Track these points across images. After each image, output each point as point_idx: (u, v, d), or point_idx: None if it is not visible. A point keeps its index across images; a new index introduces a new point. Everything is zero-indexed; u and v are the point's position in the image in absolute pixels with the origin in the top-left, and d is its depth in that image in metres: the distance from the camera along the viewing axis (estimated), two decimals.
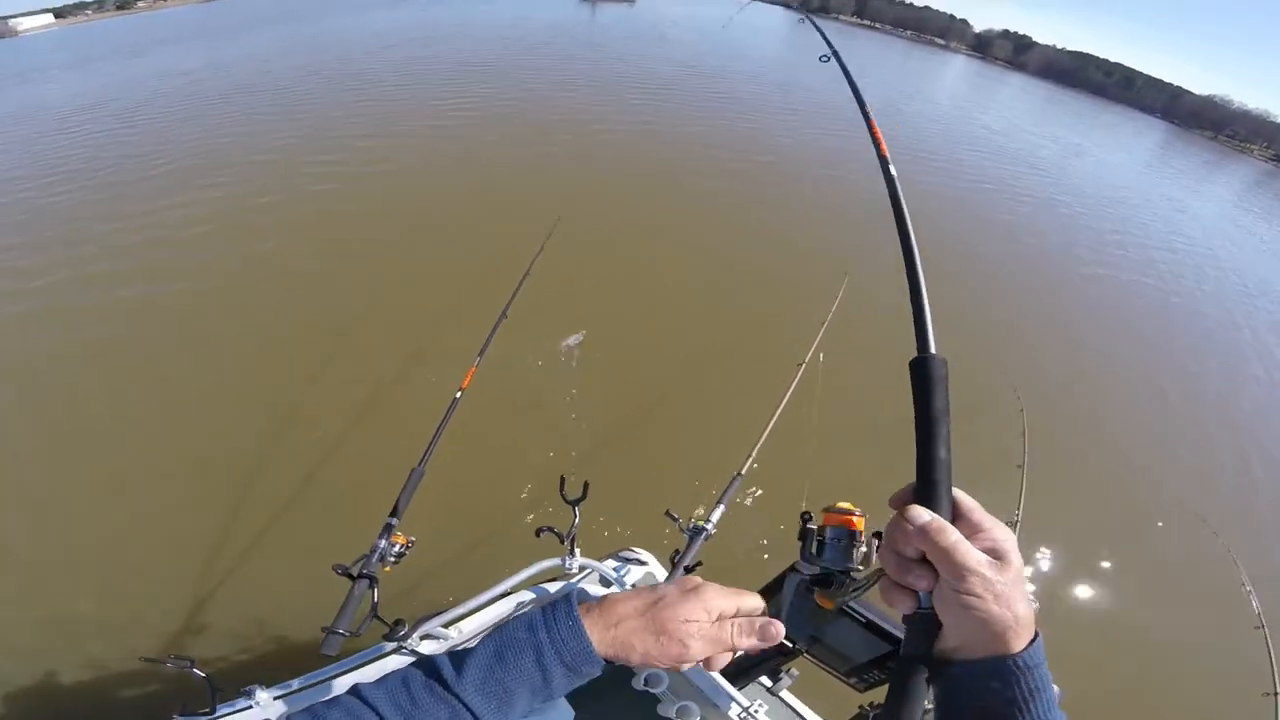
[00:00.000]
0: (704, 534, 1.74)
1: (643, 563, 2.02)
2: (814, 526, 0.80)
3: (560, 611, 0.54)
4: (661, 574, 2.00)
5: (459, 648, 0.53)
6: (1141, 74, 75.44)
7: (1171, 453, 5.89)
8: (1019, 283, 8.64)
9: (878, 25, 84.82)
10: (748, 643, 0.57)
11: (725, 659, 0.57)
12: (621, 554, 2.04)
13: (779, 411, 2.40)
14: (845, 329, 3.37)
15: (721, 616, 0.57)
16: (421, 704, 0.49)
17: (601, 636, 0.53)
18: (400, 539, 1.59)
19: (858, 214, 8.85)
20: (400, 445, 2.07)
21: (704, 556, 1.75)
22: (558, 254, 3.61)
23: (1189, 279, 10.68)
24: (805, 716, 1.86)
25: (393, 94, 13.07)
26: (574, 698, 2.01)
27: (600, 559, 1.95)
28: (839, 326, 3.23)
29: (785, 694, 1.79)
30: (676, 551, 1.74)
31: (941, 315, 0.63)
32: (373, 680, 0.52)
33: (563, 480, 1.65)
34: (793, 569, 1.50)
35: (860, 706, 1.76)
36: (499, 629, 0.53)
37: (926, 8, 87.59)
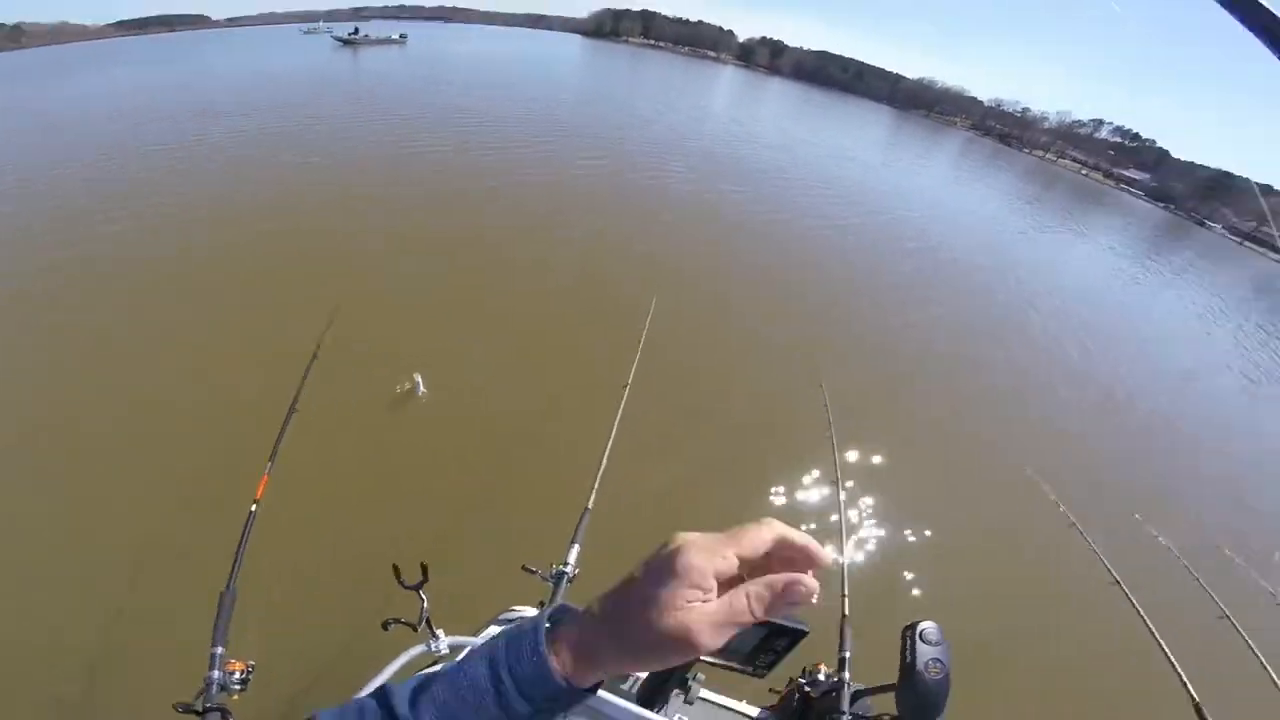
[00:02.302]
0: (565, 577, 1.74)
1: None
2: None
3: (525, 646, 0.46)
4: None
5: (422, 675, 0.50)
6: (870, 66, 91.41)
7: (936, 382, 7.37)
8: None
9: (663, 44, 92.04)
10: (774, 612, 0.44)
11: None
12: (502, 617, 1.99)
13: (612, 438, 2.54)
14: (661, 344, 3.85)
15: (718, 578, 0.43)
16: None
17: (577, 668, 0.45)
18: (236, 665, 1.51)
19: (660, 232, 9.78)
20: (206, 570, 1.88)
21: (576, 598, 1.74)
22: (348, 329, 3.60)
23: (928, 234, 13.53)
24: (729, 705, 1.92)
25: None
26: None
27: (479, 628, 1.88)
28: (654, 343, 3.70)
29: (703, 693, 1.85)
30: (542, 603, 1.73)
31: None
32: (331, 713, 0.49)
33: (396, 569, 1.56)
34: None
35: (791, 679, 1.92)
36: (460, 664, 0.47)
37: (700, 22, 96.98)
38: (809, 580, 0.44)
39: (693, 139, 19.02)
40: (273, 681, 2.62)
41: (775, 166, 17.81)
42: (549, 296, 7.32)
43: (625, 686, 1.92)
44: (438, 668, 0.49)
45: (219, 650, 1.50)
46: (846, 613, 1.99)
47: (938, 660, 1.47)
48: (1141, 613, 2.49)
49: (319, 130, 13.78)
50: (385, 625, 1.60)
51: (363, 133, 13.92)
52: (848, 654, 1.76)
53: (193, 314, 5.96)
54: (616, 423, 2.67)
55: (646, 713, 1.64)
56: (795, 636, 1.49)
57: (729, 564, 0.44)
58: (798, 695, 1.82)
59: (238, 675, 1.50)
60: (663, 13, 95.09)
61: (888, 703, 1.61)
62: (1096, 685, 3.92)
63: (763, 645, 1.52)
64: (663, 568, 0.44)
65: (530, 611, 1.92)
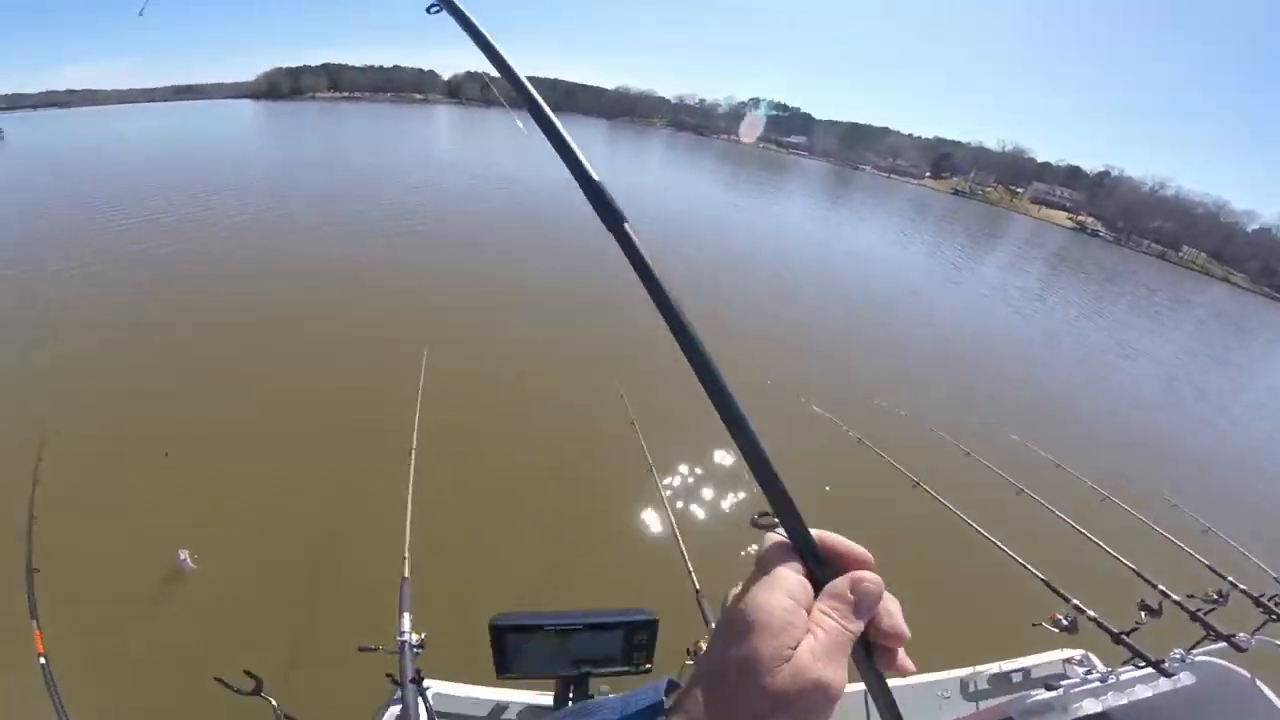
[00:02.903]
0: (409, 645, 1.72)
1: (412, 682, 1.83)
2: None
3: None
4: (435, 684, 1.94)
5: None
6: (577, 84, 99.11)
7: None
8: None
9: (357, 95, 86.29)
10: (861, 622, 0.39)
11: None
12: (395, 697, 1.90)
13: (409, 504, 2.52)
14: (440, 399, 3.83)
15: (796, 606, 0.38)
16: None
17: None
18: None
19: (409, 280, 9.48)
20: None
21: (441, 655, 1.79)
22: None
23: None
24: None
25: None
26: None
27: None
28: (433, 398, 3.67)
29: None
30: (390, 675, 1.70)
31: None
32: None
33: (222, 681, 1.51)
34: (493, 628, 1.55)
35: (684, 664, 1.93)
36: None
37: (396, 67, 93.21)
38: (869, 574, 0.40)
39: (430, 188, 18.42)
40: None
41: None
42: (317, 369, 6.79)
43: (513, 717, 1.95)
44: None
45: None
46: (698, 588, 2.08)
47: None
48: (950, 506, 2.99)
49: None
50: None
51: None
52: (714, 623, 1.72)
53: None
54: (410, 490, 2.62)
55: None
56: (649, 624, 1.60)
57: (798, 591, 0.39)
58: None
59: None
60: (350, 63, 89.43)
61: None
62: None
63: (628, 643, 1.61)
64: (740, 624, 0.38)
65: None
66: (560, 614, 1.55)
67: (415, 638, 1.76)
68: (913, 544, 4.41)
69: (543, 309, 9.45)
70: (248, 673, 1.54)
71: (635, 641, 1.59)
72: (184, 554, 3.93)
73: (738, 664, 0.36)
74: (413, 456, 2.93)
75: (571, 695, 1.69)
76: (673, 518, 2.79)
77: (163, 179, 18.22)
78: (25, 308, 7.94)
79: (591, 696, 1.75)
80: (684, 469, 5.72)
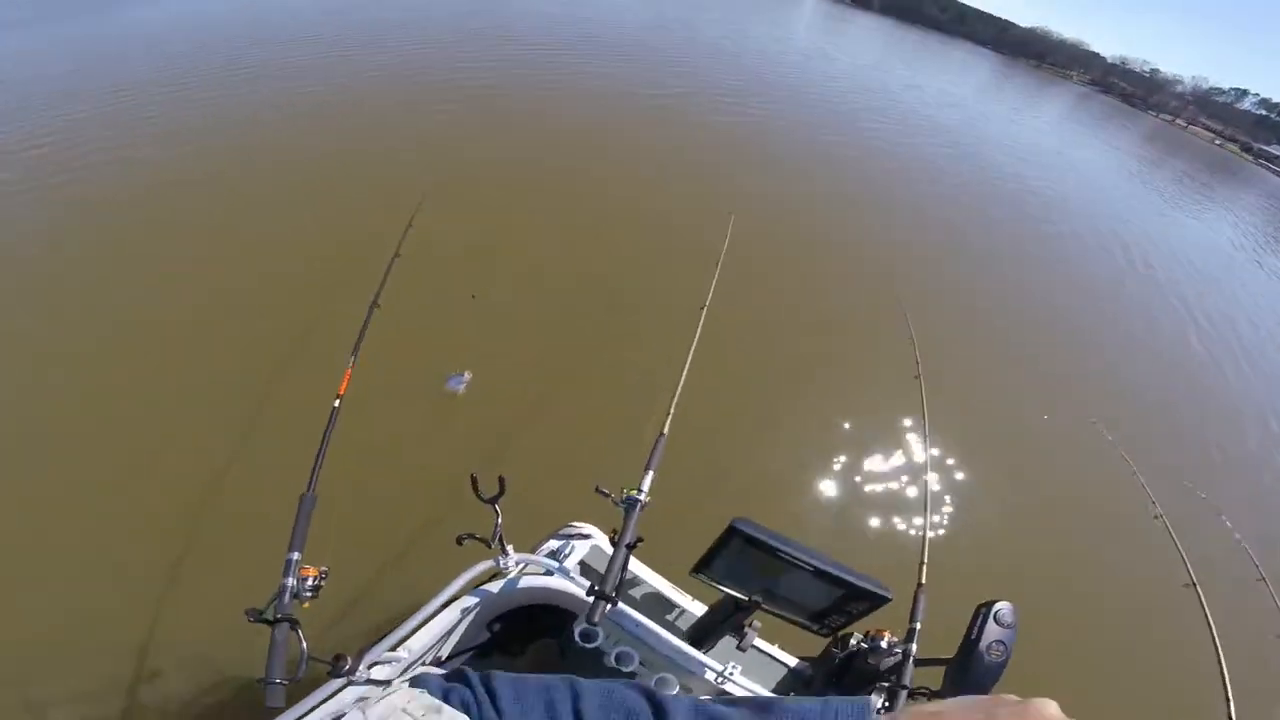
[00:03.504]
0: (638, 505, 1.62)
1: (585, 536, 1.92)
2: None
3: None
4: (606, 545, 1.90)
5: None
6: (971, 9, 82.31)
7: (1059, 353, 6.54)
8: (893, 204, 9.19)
9: None
10: None
11: None
12: (561, 532, 1.95)
13: (689, 361, 2.28)
14: (737, 267, 3.34)
15: None
16: None
17: None
18: (310, 571, 1.46)
19: (732, 155, 8.96)
20: (284, 470, 1.84)
21: (645, 527, 1.64)
22: (428, 230, 3.25)
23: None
24: (777, 657, 1.89)
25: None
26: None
27: (538, 543, 1.87)
28: (732, 265, 3.19)
29: (755, 643, 1.78)
30: (614, 531, 1.63)
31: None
32: None
33: (474, 479, 1.53)
34: (731, 529, 1.47)
35: (828, 648, 1.84)
36: None
37: None
38: (1049, 702, 0.39)
39: (773, 72, 17.35)
40: (340, 590, 2.57)
41: (858, 100, 16.05)
42: (632, 210, 6.70)
43: (671, 617, 1.87)
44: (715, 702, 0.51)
45: (295, 556, 1.45)
46: (923, 581, 1.86)
47: (1002, 644, 1.43)
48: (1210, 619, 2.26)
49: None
50: (460, 540, 1.58)
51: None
52: (918, 625, 1.65)
53: (266, 200, 5.66)
54: (694, 347, 2.38)
55: (693, 651, 1.64)
56: (875, 602, 1.47)
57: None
58: (841, 653, 1.76)
59: (310, 581, 1.45)
60: None
61: (930, 675, 1.57)
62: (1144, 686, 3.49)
63: (836, 606, 1.51)
64: None
65: (588, 528, 1.89)
66: (798, 545, 1.45)
67: (646, 499, 1.64)
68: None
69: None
70: (501, 479, 1.54)
71: (846, 609, 1.52)
72: (462, 378, 3.83)
73: None
74: (703, 314, 2.62)
75: (722, 617, 1.68)
76: (927, 497, 2.34)
77: None
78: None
79: (745, 629, 1.70)
80: (959, 459, 4.48)
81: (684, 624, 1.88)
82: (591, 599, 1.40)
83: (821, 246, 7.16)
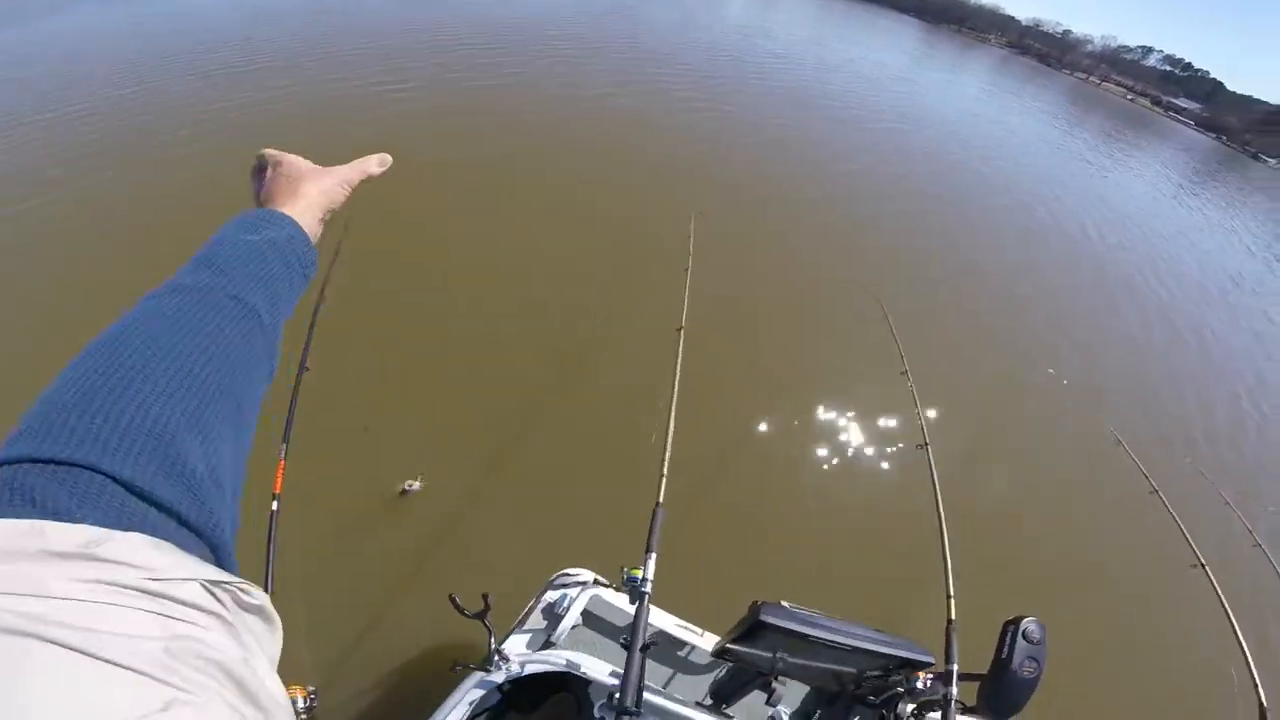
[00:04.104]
0: (645, 597, 1.49)
1: (582, 582, 1.81)
2: None
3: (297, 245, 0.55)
4: (604, 592, 1.81)
5: None
6: None
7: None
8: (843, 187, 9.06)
9: None
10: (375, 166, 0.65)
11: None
12: (556, 582, 1.84)
13: (674, 403, 2.00)
14: (707, 269, 3.05)
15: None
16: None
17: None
18: (298, 692, 1.38)
19: (686, 148, 8.63)
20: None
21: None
22: (353, 264, 2.75)
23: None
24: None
25: None
26: None
27: (535, 599, 1.79)
28: (702, 268, 2.91)
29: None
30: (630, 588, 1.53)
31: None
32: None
33: (453, 599, 1.42)
34: (757, 621, 1.37)
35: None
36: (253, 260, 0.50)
37: None
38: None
39: (716, 55, 16.90)
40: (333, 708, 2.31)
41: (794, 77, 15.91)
42: (585, 220, 6.02)
43: (684, 655, 1.81)
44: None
45: None
46: (953, 618, 1.74)
47: (1034, 660, 1.45)
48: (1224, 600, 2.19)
49: None
50: (454, 668, 1.55)
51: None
52: (955, 666, 1.55)
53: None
54: (677, 380, 2.12)
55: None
56: (915, 668, 1.46)
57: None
58: (878, 700, 1.70)
59: (301, 703, 1.37)
60: None
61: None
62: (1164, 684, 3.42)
63: (873, 674, 1.48)
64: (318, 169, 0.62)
65: (582, 573, 1.83)
66: (829, 624, 1.37)
67: (650, 587, 1.51)
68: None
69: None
70: (484, 596, 1.44)
71: (882, 674, 1.48)
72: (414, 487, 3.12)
73: (309, 170, 0.62)
74: (681, 335, 2.35)
75: (747, 679, 1.59)
76: (941, 518, 2.13)
77: None
78: None
79: (772, 687, 1.53)
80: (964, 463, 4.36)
81: (697, 659, 1.82)
82: (612, 692, 1.34)
83: (786, 238, 6.89)
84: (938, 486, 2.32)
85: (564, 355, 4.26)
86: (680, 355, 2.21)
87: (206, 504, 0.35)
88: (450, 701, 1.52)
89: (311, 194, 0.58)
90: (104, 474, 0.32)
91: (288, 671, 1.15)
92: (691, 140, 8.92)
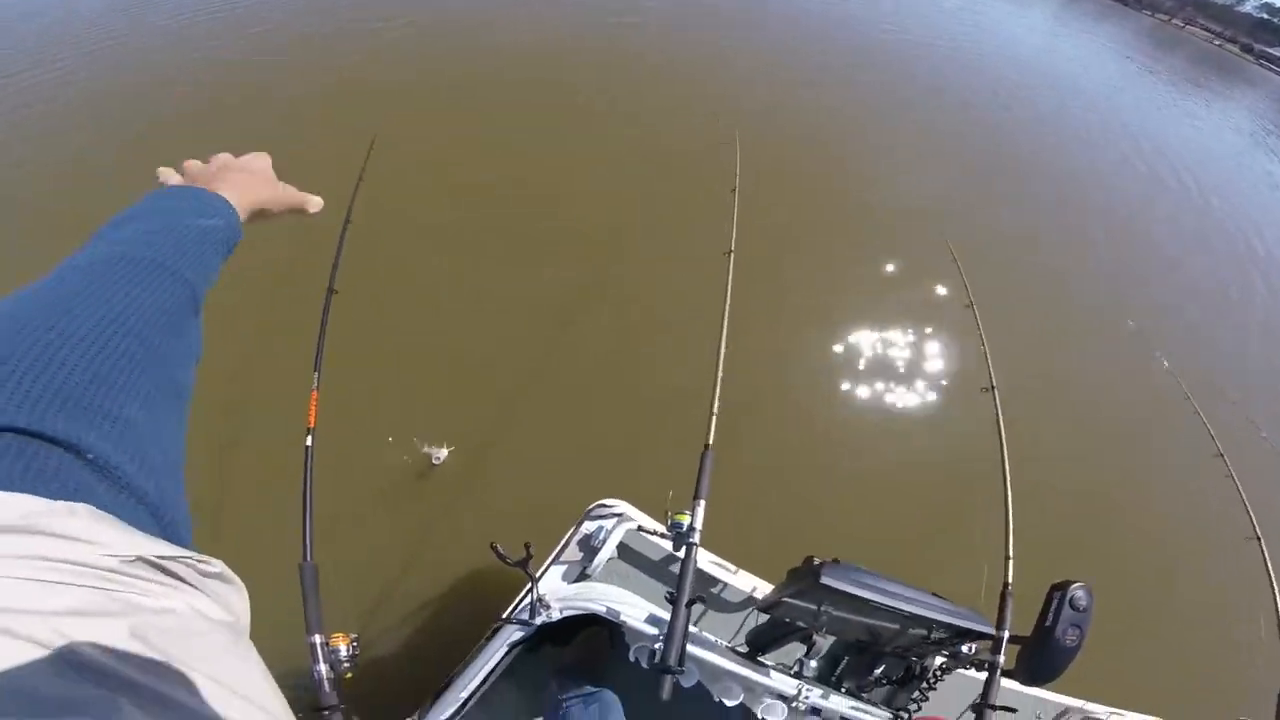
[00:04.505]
0: (694, 548, 1.42)
1: (618, 515, 1.76)
2: None
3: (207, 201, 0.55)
4: (643, 521, 1.76)
5: None
6: None
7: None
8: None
9: None
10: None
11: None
12: (593, 513, 1.79)
13: (724, 334, 1.84)
14: (757, 193, 2.80)
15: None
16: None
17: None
18: (340, 640, 1.37)
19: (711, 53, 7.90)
20: (275, 535, 1.65)
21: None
22: (382, 186, 2.62)
23: None
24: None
25: None
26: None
27: (570, 534, 1.75)
28: (752, 190, 2.65)
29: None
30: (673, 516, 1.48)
31: None
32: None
33: (495, 548, 1.41)
34: (816, 582, 1.26)
35: None
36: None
37: None
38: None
39: None
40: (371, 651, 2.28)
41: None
42: (621, 142, 5.57)
43: (717, 591, 1.76)
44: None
45: (316, 639, 1.33)
46: (1009, 581, 1.68)
47: (1078, 629, 1.41)
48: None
49: None
50: (495, 621, 1.55)
51: None
52: (1006, 633, 1.51)
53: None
54: (727, 308, 1.93)
55: (755, 674, 1.51)
56: (974, 639, 1.41)
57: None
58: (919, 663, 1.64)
59: (345, 650, 1.36)
60: None
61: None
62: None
63: (928, 641, 1.36)
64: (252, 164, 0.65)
65: (620, 505, 1.79)
66: (890, 587, 1.27)
67: (699, 535, 1.44)
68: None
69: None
70: (526, 545, 1.41)
71: (938, 643, 1.36)
72: (439, 453, 2.93)
73: (247, 162, 0.65)
74: (730, 258, 2.14)
75: (788, 632, 1.49)
76: (1006, 455, 2.01)
77: None
78: None
79: (813, 641, 1.48)
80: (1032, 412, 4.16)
81: (729, 598, 1.77)
82: (654, 648, 1.32)
83: (844, 162, 6.26)
84: (1004, 435, 2.16)
85: (602, 282, 4.03)
86: (730, 281, 2.04)
87: (155, 478, 0.34)
88: (491, 646, 1.53)
89: (258, 191, 0.61)
90: (47, 439, 0.29)
91: (331, 622, 1.08)
92: (736, 55, 8.26)
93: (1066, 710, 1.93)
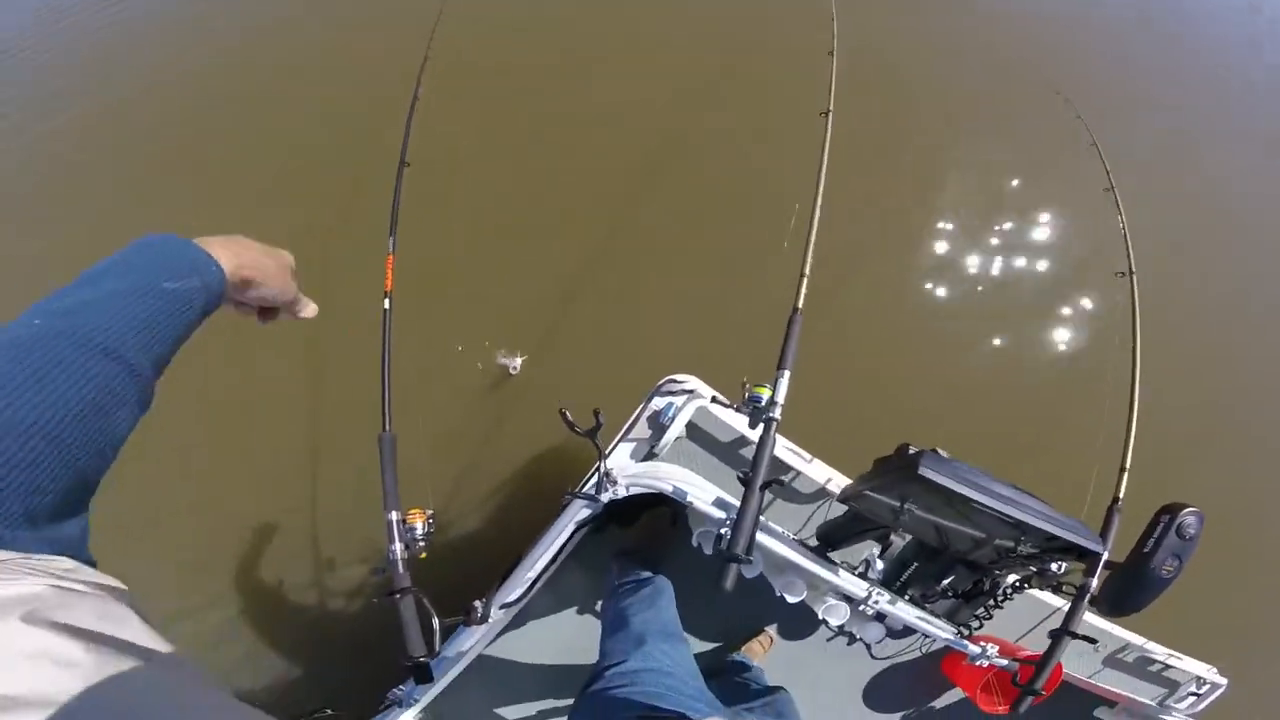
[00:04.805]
0: (774, 424, 1.26)
1: (689, 391, 1.64)
2: None
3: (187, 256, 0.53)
4: (711, 401, 1.63)
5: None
6: None
7: None
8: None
9: None
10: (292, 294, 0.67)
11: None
12: (664, 388, 1.67)
13: (820, 192, 1.65)
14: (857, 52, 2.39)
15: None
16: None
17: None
18: (416, 516, 1.36)
19: None
20: (354, 411, 1.86)
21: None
22: (450, 59, 2.45)
23: None
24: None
25: None
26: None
27: (639, 410, 1.65)
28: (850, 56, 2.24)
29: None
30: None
31: None
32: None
33: (564, 414, 1.30)
34: (914, 473, 1.08)
35: None
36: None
37: None
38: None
39: None
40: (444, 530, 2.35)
41: None
42: None
43: (787, 480, 1.67)
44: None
45: (393, 516, 1.32)
46: (1120, 496, 1.54)
47: (1177, 559, 1.28)
48: None
49: None
50: (564, 496, 1.49)
51: None
52: (1106, 554, 1.34)
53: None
54: (824, 171, 1.71)
55: (824, 570, 1.40)
56: (1078, 556, 1.17)
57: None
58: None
59: (421, 529, 1.35)
60: None
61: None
62: None
63: (1020, 554, 1.17)
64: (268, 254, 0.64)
65: (691, 381, 1.67)
66: (993, 487, 1.07)
67: (780, 412, 1.29)
68: None
69: None
70: (596, 411, 1.32)
71: (1033, 557, 1.15)
72: (515, 362, 2.90)
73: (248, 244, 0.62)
74: (829, 120, 1.86)
75: (863, 528, 1.38)
76: (1138, 351, 1.83)
77: None
78: None
79: (889, 539, 1.39)
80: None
81: (800, 488, 1.68)
82: (720, 533, 1.25)
83: (961, 16, 4.92)
84: (1138, 329, 1.88)
85: (682, 142, 3.67)
86: (828, 143, 1.77)
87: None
88: (559, 524, 1.52)
89: (260, 262, 0.61)
90: None
91: (408, 498, 1.38)
92: None
93: (1126, 645, 1.84)
